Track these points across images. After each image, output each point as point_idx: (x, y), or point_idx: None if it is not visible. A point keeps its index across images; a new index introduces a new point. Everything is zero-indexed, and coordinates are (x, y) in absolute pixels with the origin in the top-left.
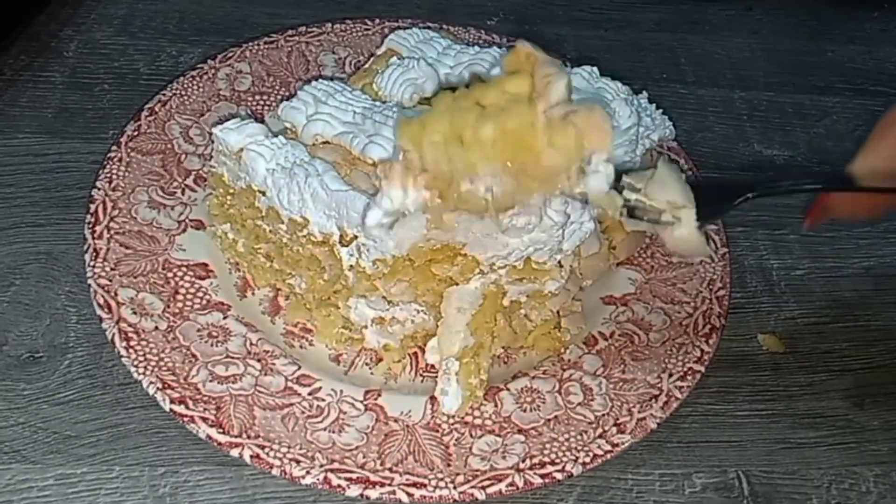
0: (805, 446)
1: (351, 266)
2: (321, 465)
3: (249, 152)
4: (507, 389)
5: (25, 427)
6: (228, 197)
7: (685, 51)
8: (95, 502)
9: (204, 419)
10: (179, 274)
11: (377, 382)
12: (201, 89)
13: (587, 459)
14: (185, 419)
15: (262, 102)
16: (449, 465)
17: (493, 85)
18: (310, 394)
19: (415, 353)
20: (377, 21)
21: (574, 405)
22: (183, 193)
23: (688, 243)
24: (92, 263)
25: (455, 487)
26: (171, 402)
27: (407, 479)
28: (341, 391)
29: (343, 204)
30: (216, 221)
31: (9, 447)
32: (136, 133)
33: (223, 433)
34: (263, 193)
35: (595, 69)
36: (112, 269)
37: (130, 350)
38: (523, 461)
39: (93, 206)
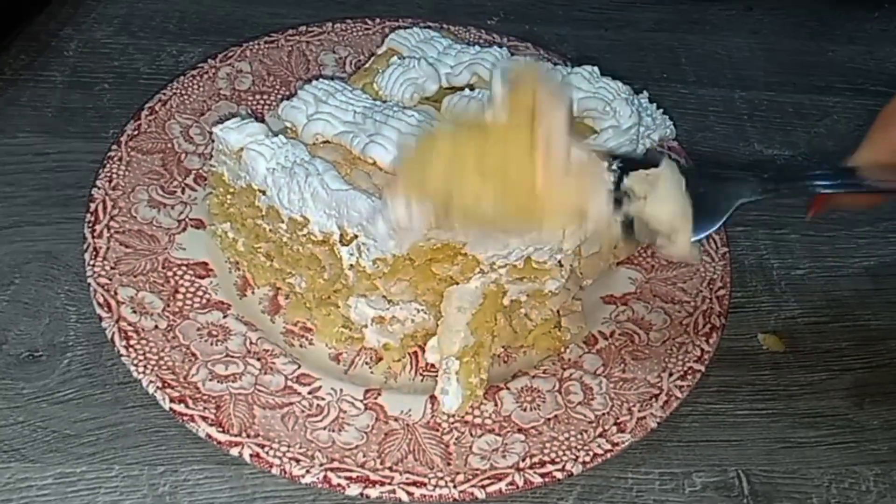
0: (805, 445)
1: (351, 265)
2: (321, 464)
3: (250, 151)
4: (508, 389)
5: (25, 426)
6: (228, 196)
7: (685, 50)
8: (95, 501)
9: (203, 418)
10: (179, 273)
11: (377, 381)
12: (202, 88)
13: (587, 458)
14: (185, 418)
15: (262, 102)
16: (449, 464)
17: (492, 132)
18: (310, 393)
19: (415, 353)
20: (378, 21)
21: (574, 404)
22: (183, 192)
23: (680, 255)
24: (92, 262)
25: (455, 486)
26: (171, 400)
27: (407, 478)
28: (341, 390)
29: (343, 203)
30: (216, 220)
31: (8, 446)
32: (136, 132)
33: (223, 432)
34: (263, 192)
35: (596, 69)
36: (112, 268)
37: (130, 349)
38: (523, 460)
39: (93, 205)
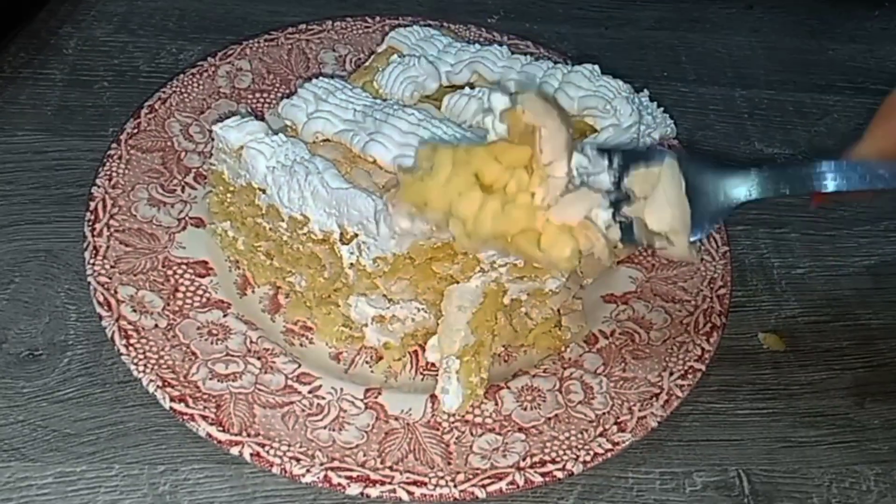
0: (806, 445)
1: (351, 264)
2: (321, 464)
3: (249, 150)
4: (508, 388)
5: (25, 425)
6: (228, 195)
7: (686, 49)
8: (95, 500)
9: (204, 417)
10: (179, 272)
11: (377, 381)
12: (201, 87)
13: (588, 458)
14: (185, 417)
15: (262, 100)
16: (449, 464)
17: (492, 155)
18: (310, 392)
19: (415, 352)
20: (378, 19)
21: (575, 403)
22: (183, 191)
23: (679, 256)
24: (92, 261)
25: (455, 486)
26: (171, 400)
27: (407, 478)
28: (341, 389)
29: (343, 202)
30: (216, 219)
31: (8, 445)
32: (135, 130)
33: (223, 431)
34: (263, 191)
35: (596, 67)
36: (112, 267)
37: (130, 348)
38: (524, 459)
39: (92, 204)
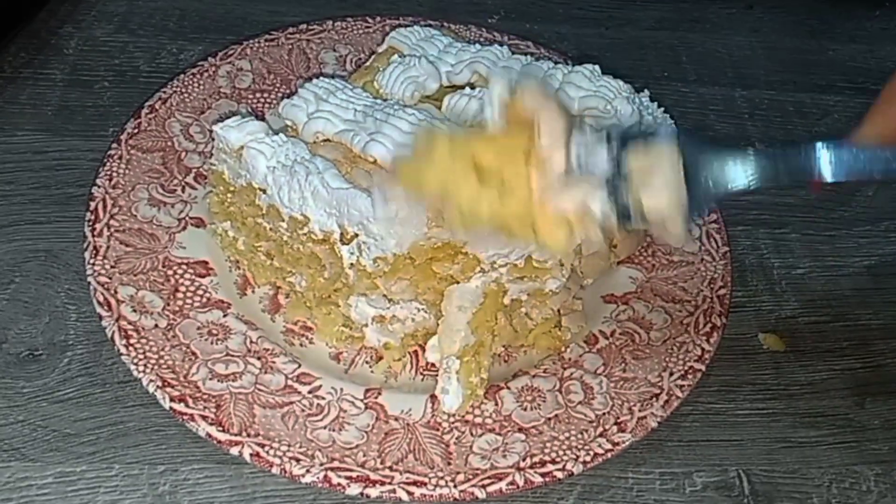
0: (806, 445)
1: (351, 264)
2: (321, 464)
3: (250, 150)
4: (508, 388)
5: (25, 425)
6: (229, 195)
7: (686, 49)
8: (95, 500)
9: (204, 417)
10: (179, 272)
11: (377, 381)
12: (202, 87)
13: (588, 458)
14: (185, 417)
15: (262, 100)
16: (449, 464)
17: (490, 142)
18: (310, 392)
19: (415, 352)
20: (378, 19)
21: (575, 404)
22: (183, 191)
23: (674, 241)
24: (92, 261)
25: (455, 486)
26: (171, 400)
27: (407, 478)
28: (341, 389)
29: (344, 202)
30: (216, 219)
31: (8, 445)
32: (136, 130)
33: (223, 431)
34: (264, 191)
35: (596, 67)
36: (112, 267)
37: (130, 348)
38: (524, 460)
39: (93, 204)
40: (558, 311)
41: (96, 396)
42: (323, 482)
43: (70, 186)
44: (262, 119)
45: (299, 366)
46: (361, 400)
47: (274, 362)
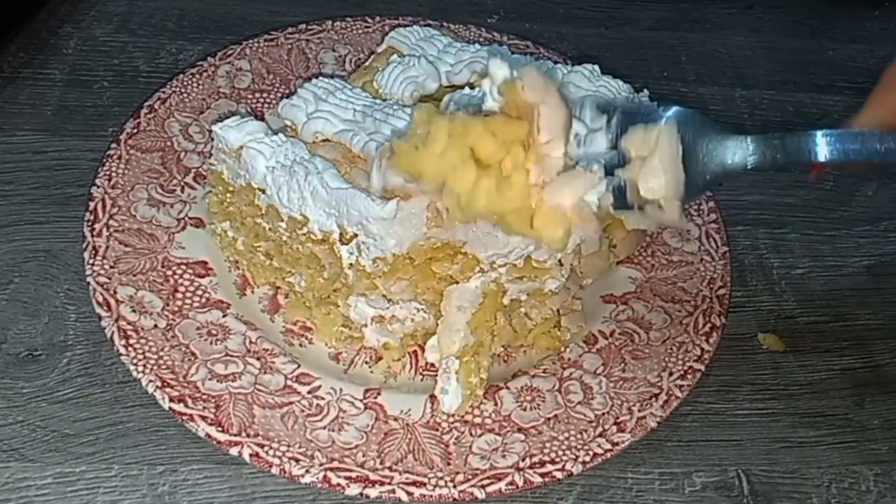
0: (805, 445)
1: (351, 264)
2: (320, 464)
3: (249, 150)
4: (507, 388)
5: (24, 425)
6: (228, 195)
7: (686, 49)
8: (94, 501)
9: (203, 417)
10: (179, 272)
11: (377, 381)
12: (201, 87)
13: (587, 458)
14: (185, 417)
15: (262, 100)
16: (449, 464)
17: (489, 129)
18: (309, 392)
19: (414, 352)
20: (378, 19)
21: (574, 404)
22: (182, 191)
23: (669, 222)
24: (91, 261)
25: (455, 486)
26: (171, 400)
27: (406, 478)
28: (341, 389)
29: (343, 202)
30: (216, 219)
31: (7, 445)
32: (135, 130)
33: (222, 431)
34: (263, 191)
35: (596, 67)
36: (111, 267)
37: (129, 348)
38: (523, 460)
39: (92, 204)
40: (558, 311)
41: (96, 397)
42: (322, 482)
43: (69, 186)
44: (262, 119)
45: (299, 366)
46: (361, 400)
47: (273, 362)
